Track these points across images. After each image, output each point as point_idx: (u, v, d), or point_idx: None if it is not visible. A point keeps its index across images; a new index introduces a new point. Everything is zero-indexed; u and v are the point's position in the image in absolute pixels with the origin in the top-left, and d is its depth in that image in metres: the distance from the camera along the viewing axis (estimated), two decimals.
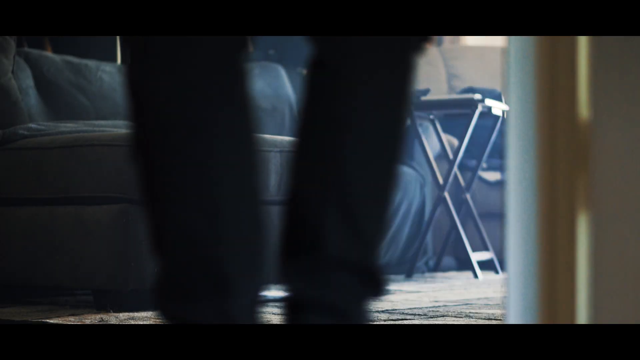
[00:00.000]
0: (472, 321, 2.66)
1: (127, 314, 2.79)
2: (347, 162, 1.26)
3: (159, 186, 1.28)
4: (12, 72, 3.60)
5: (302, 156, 1.31)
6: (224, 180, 1.24)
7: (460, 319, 2.72)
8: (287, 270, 1.33)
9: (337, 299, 1.27)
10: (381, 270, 1.30)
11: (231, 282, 1.25)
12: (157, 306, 1.33)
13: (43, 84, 3.89)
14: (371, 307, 1.32)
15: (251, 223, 1.26)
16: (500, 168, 5.25)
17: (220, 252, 1.25)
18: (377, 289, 1.30)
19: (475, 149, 5.02)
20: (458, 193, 4.90)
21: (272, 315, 2.82)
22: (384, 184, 1.30)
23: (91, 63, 4.11)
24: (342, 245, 1.26)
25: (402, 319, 2.72)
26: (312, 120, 1.30)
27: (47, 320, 2.63)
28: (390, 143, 1.30)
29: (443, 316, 2.78)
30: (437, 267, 4.91)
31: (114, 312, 2.84)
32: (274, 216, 3.38)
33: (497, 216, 5.08)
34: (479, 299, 3.41)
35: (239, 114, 1.26)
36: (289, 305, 1.32)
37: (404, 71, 1.32)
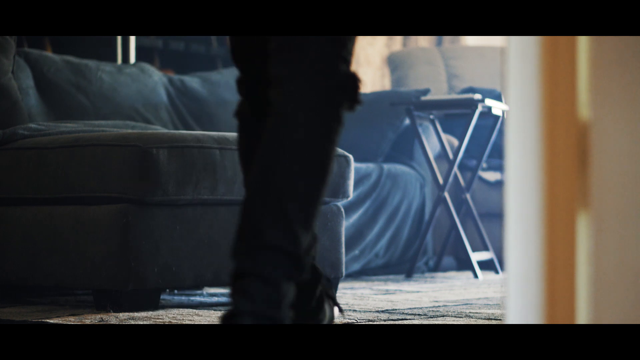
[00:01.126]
0: (472, 321, 2.66)
1: (127, 314, 2.80)
2: (285, 179, 1.73)
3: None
4: (12, 72, 3.59)
5: (255, 172, 1.76)
6: None
7: (460, 319, 2.72)
8: (237, 249, 1.75)
9: (269, 272, 1.70)
10: (304, 256, 1.75)
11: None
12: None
13: (43, 84, 3.89)
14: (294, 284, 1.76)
15: None
16: (500, 168, 5.25)
17: None
18: (300, 267, 1.74)
19: (475, 149, 5.02)
20: (458, 193, 4.90)
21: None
22: (312, 197, 1.75)
23: (91, 63, 4.11)
24: (276, 236, 1.71)
25: (402, 319, 2.72)
26: (265, 149, 1.76)
27: (47, 320, 2.64)
28: (319, 168, 1.74)
29: (443, 316, 2.78)
30: (437, 267, 4.91)
31: (114, 312, 2.84)
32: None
33: (497, 216, 5.09)
34: (479, 299, 3.41)
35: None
36: (235, 275, 1.72)
37: (333, 121, 1.76)
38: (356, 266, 4.55)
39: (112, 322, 2.59)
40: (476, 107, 4.56)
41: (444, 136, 4.89)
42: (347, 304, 3.20)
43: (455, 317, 2.77)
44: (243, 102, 2.11)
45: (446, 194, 4.67)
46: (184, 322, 2.54)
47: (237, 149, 2.03)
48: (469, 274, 4.77)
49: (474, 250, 4.78)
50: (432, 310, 2.95)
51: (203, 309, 2.95)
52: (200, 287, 3.72)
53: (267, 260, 1.70)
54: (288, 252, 1.71)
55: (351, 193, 3.47)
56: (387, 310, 2.98)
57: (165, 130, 3.50)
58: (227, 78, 4.60)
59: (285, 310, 1.70)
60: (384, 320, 2.68)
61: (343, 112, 1.76)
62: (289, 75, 1.75)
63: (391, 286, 4.05)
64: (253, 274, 1.69)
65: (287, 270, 1.72)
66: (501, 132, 4.83)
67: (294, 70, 1.75)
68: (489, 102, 4.60)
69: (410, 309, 3.02)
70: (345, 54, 1.78)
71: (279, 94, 1.76)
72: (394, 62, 6.18)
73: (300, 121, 1.73)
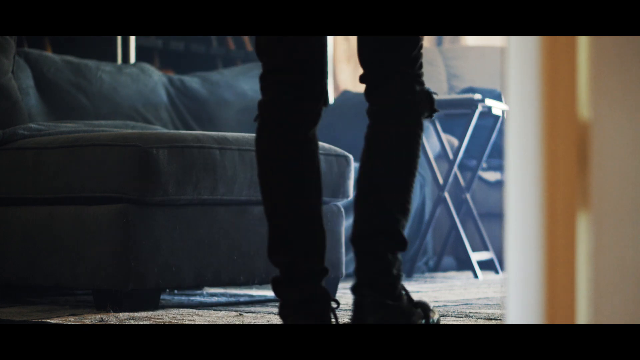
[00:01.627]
0: (472, 321, 2.66)
1: (127, 314, 2.80)
2: (382, 177, 2.20)
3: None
4: (12, 72, 3.59)
5: (360, 174, 2.22)
6: None
7: (460, 319, 2.72)
8: (352, 236, 2.22)
9: (377, 249, 2.17)
10: (403, 235, 2.19)
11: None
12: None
13: (43, 84, 3.89)
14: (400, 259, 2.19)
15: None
16: (500, 168, 5.25)
17: None
18: (401, 242, 2.20)
19: (475, 149, 5.02)
20: (458, 193, 4.90)
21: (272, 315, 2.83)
22: (404, 188, 2.20)
23: (91, 63, 4.11)
24: (380, 223, 2.19)
25: None
26: (365, 159, 2.21)
27: (47, 320, 2.64)
28: (408, 165, 2.21)
29: (443, 316, 2.78)
30: (437, 267, 4.91)
31: (114, 312, 2.84)
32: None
33: (497, 216, 5.08)
34: (479, 299, 3.41)
35: None
36: (354, 252, 2.20)
37: (416, 128, 2.23)
38: None
39: (112, 322, 2.58)
40: (476, 107, 4.56)
41: (444, 136, 4.89)
42: (347, 304, 3.20)
43: (455, 317, 2.77)
44: (264, 101, 2.15)
45: (446, 194, 4.67)
46: (183, 322, 2.54)
47: (254, 149, 2.17)
48: (469, 274, 4.77)
49: (474, 250, 4.78)
50: None
51: (203, 309, 2.95)
52: (200, 287, 3.72)
53: (376, 242, 2.16)
54: (389, 232, 2.17)
55: (351, 193, 3.47)
56: None
57: (165, 130, 3.50)
58: (227, 78, 4.60)
59: (392, 276, 2.16)
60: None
61: (423, 120, 2.22)
62: (382, 97, 2.20)
63: None
64: (366, 253, 2.16)
65: (391, 246, 2.17)
66: (501, 132, 4.83)
67: (385, 93, 2.20)
68: (489, 102, 4.60)
69: None
70: (419, 73, 2.21)
71: (375, 111, 2.22)
72: None
73: (391, 132, 2.19)
